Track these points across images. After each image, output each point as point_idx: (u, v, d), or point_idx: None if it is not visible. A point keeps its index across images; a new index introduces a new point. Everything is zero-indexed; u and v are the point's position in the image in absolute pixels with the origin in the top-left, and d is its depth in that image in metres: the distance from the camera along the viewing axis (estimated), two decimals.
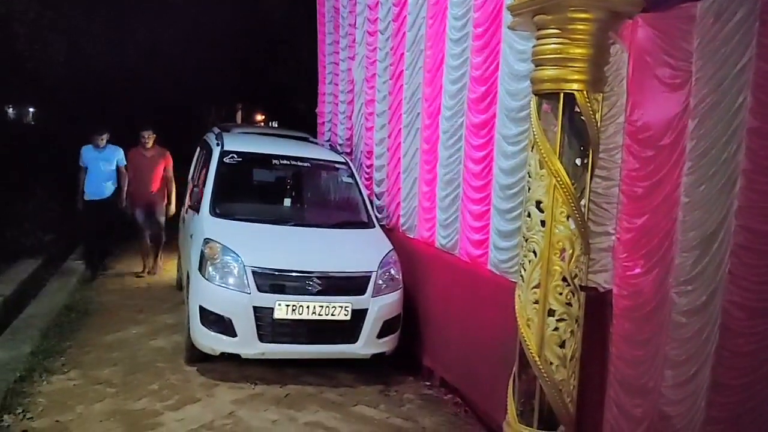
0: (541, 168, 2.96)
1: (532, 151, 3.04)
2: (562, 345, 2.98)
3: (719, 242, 2.67)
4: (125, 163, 7.81)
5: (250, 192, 6.49)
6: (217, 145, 6.10)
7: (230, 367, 5.05)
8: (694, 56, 2.75)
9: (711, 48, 2.67)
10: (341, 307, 4.87)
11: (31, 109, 22.89)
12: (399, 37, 6.11)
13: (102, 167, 7.70)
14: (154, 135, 7.95)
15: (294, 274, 4.89)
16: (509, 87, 4.09)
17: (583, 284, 3.02)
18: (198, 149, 7.15)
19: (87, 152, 7.77)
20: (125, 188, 7.84)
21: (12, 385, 4.40)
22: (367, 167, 7.12)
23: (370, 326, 4.97)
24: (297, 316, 4.79)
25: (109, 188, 7.71)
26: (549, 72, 2.94)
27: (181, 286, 6.54)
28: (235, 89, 18.66)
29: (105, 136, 7.72)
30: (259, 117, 24.79)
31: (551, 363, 2.97)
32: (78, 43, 10.43)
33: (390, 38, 6.35)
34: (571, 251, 2.94)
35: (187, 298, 5.25)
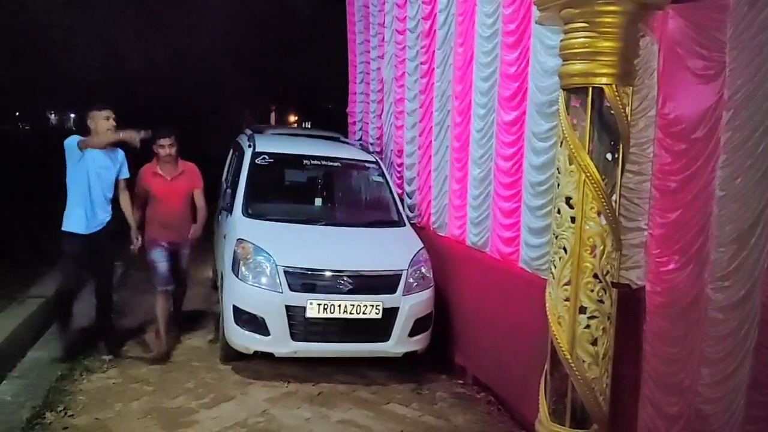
0: (571, 164, 2.93)
1: (560, 146, 3.01)
2: (594, 342, 2.94)
3: (757, 236, 2.60)
4: (128, 174, 5.23)
5: (281, 192, 6.55)
6: (249, 146, 6.18)
7: (264, 365, 5.11)
8: (727, 46, 2.68)
9: (745, 37, 2.60)
10: (372, 305, 4.88)
11: (72, 115, 23.49)
12: (430, 35, 6.10)
13: (102, 178, 5.01)
14: (176, 143, 5.40)
15: (325, 273, 4.92)
16: (540, 83, 4.04)
17: (615, 281, 2.98)
18: (231, 151, 7.24)
19: (77, 151, 4.90)
20: (132, 215, 5.29)
21: (54, 384, 4.54)
22: (398, 166, 7.13)
23: (401, 325, 4.97)
24: (329, 315, 4.82)
25: (108, 213, 5.10)
26: (577, 66, 2.91)
27: (215, 285, 6.64)
28: (269, 91, 18.89)
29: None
30: (292, 118, 25.04)
31: (583, 361, 2.94)
32: (113, 49, 10.67)
33: (420, 36, 6.35)
34: (602, 247, 2.91)
35: (222, 297, 5.32)
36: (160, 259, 5.37)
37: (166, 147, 5.39)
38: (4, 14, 7.51)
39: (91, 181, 4.98)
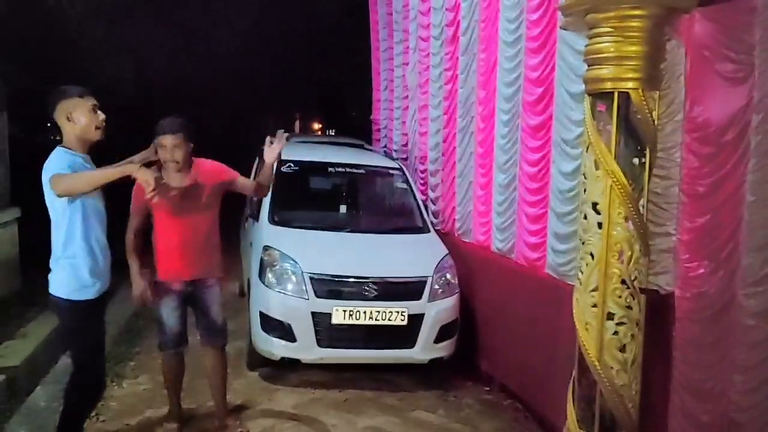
0: (597, 169, 2.91)
1: (587, 152, 3.00)
2: (622, 349, 2.91)
3: None
4: None
5: (307, 200, 6.59)
6: None
7: (290, 371, 5.14)
8: (756, 48, 2.65)
9: None
10: (398, 312, 4.89)
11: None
12: (453, 42, 6.11)
13: (101, 208, 3.39)
14: (186, 143, 3.80)
15: (351, 279, 4.94)
16: (569, 88, 4.01)
17: (643, 287, 2.95)
18: (257, 159, 7.31)
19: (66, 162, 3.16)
20: (131, 251, 3.90)
21: None
22: (422, 172, 7.14)
23: (427, 331, 4.97)
24: (354, 321, 4.84)
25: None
26: (603, 71, 2.89)
27: (242, 293, 6.70)
28: (293, 99, 19.05)
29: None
30: (317, 125, 25.23)
31: (611, 367, 2.91)
32: (143, 59, 10.85)
33: (444, 43, 6.36)
34: (629, 253, 2.88)
35: (249, 304, 5.38)
36: (170, 312, 3.95)
37: (168, 148, 3.76)
38: (36, 27, 7.72)
39: (96, 215, 3.34)
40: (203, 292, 4.01)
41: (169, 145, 3.76)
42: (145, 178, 3.09)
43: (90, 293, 3.30)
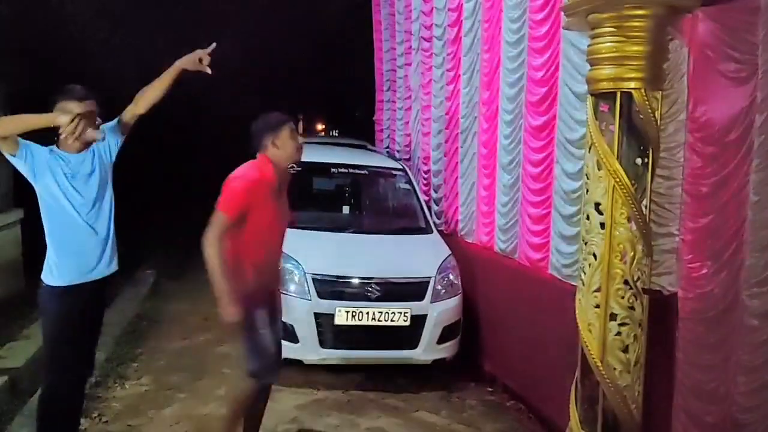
0: (599, 169, 2.90)
1: (589, 152, 2.99)
2: (625, 350, 2.90)
3: None
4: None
5: (310, 200, 6.59)
6: None
7: (293, 372, 5.12)
8: (759, 48, 2.64)
9: None
10: (400, 312, 4.89)
11: None
12: (456, 42, 6.10)
13: (84, 194, 3.19)
14: None
15: (353, 280, 4.95)
16: (574, 88, 4.00)
17: (646, 287, 2.94)
18: None
19: (45, 155, 3.14)
20: (219, 264, 3.13)
21: (89, 390, 4.59)
22: (425, 173, 7.14)
23: (429, 332, 4.97)
24: (357, 322, 4.84)
25: (112, 252, 3.31)
26: (605, 71, 2.88)
27: None
28: (296, 100, 19.04)
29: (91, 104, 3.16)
30: (320, 126, 25.24)
31: (614, 368, 2.90)
32: (146, 60, 10.85)
33: (446, 43, 6.36)
34: (632, 254, 2.86)
35: None
36: (264, 326, 3.30)
37: (299, 150, 3.47)
38: (39, 28, 7.73)
39: (70, 199, 3.17)
40: (277, 297, 3.49)
41: (300, 146, 3.48)
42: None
43: (54, 278, 3.16)
